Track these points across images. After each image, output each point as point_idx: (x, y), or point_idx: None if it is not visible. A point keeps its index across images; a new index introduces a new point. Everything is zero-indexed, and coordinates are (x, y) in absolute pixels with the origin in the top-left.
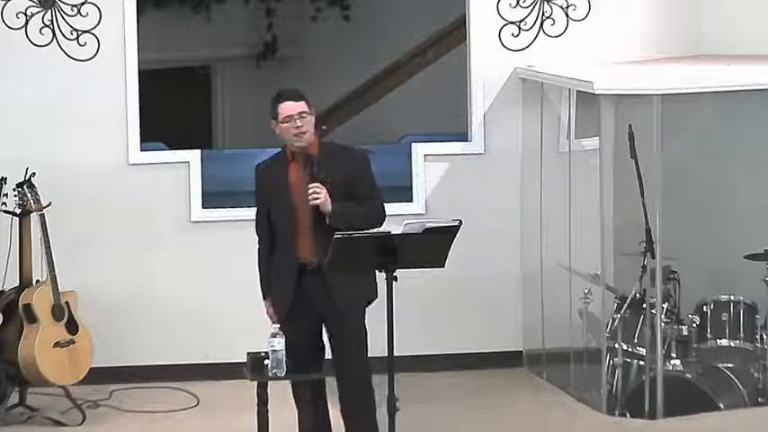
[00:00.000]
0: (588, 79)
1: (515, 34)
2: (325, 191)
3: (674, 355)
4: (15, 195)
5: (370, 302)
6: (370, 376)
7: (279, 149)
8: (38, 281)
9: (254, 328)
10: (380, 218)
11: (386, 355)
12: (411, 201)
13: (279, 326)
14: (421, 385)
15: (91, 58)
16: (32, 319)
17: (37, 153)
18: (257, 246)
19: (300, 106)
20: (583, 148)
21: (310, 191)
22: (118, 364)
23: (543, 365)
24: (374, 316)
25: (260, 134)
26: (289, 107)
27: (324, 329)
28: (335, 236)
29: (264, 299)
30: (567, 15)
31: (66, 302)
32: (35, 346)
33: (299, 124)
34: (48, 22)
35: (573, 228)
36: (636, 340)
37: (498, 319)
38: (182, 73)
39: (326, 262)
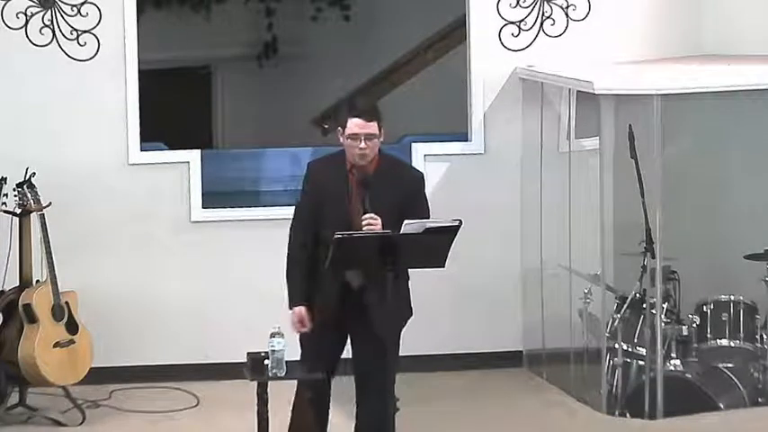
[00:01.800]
0: (588, 79)
1: (515, 34)
2: (379, 222)
3: (674, 355)
4: (15, 195)
5: (405, 321)
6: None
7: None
8: (38, 281)
9: (254, 328)
10: None
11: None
12: None
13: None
14: (421, 385)
15: (91, 58)
16: (32, 319)
17: (37, 153)
18: (290, 246)
19: (371, 127)
20: (583, 148)
21: (365, 221)
22: (118, 364)
23: (543, 365)
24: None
25: (260, 134)
26: (358, 125)
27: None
28: (336, 235)
29: (291, 307)
30: (567, 15)
31: (66, 302)
32: (35, 346)
33: (363, 146)
34: (48, 22)
35: (573, 228)
36: (636, 340)
37: (498, 319)
38: (182, 73)
39: (328, 261)
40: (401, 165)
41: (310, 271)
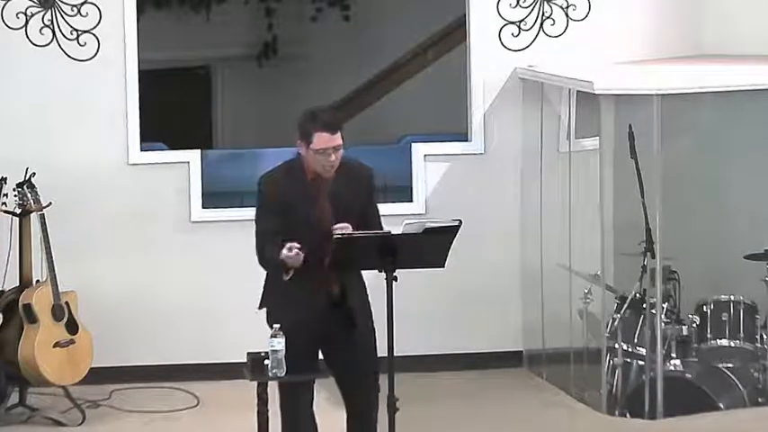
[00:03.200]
0: (588, 79)
1: (515, 34)
2: (350, 228)
3: (674, 355)
4: (15, 195)
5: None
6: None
7: (285, 154)
8: (38, 281)
9: (254, 328)
10: None
11: (386, 355)
12: (411, 201)
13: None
14: (421, 385)
15: (91, 58)
16: (32, 319)
17: (37, 153)
18: (259, 254)
19: (337, 139)
20: (583, 148)
21: (336, 232)
22: (118, 364)
23: (543, 365)
24: (374, 316)
25: (260, 134)
26: (326, 139)
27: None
28: (335, 236)
29: (278, 255)
30: (567, 15)
31: (66, 302)
32: (35, 346)
33: (333, 159)
34: (48, 22)
35: (573, 228)
36: (636, 340)
37: (498, 319)
38: (182, 73)
39: (328, 262)
40: (352, 163)
41: (281, 289)
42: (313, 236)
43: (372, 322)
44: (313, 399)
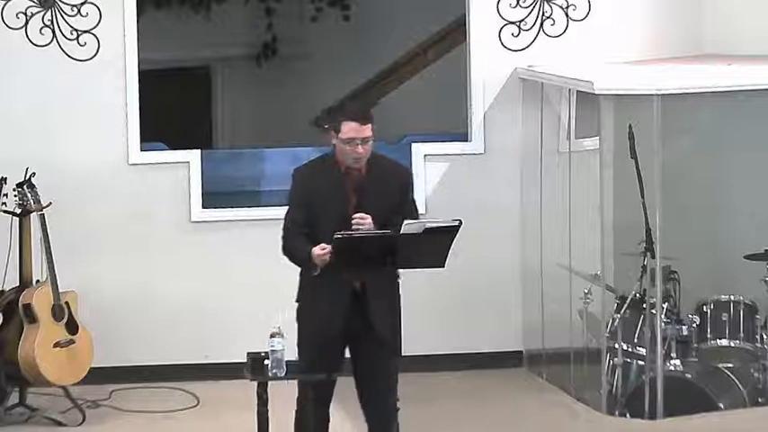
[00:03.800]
0: (588, 79)
1: (515, 34)
2: (369, 219)
3: (674, 355)
4: (15, 195)
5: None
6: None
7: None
8: (38, 281)
9: (254, 328)
10: None
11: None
12: None
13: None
14: (421, 385)
15: (91, 58)
16: (32, 319)
17: (37, 153)
18: (284, 244)
19: (366, 131)
20: (583, 148)
21: (354, 221)
22: (118, 364)
23: (543, 365)
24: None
25: (260, 134)
26: (354, 129)
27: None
28: (336, 235)
29: (309, 258)
30: (567, 15)
31: (66, 302)
32: (35, 346)
33: (361, 150)
34: (48, 22)
35: (573, 228)
36: (636, 340)
37: (498, 319)
38: (182, 73)
39: (328, 262)
40: (389, 162)
41: (309, 283)
42: (340, 229)
43: (399, 325)
44: (330, 398)
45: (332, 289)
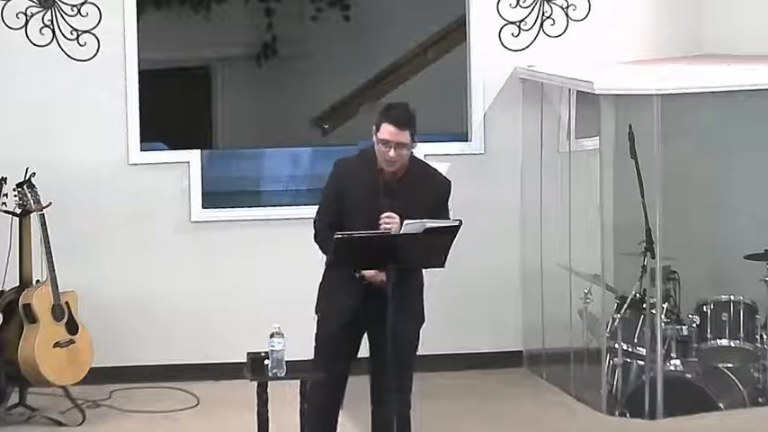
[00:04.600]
0: (588, 79)
1: (515, 34)
2: (397, 220)
3: (674, 355)
4: (15, 195)
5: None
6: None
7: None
8: (38, 281)
9: (254, 328)
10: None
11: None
12: None
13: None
14: (421, 385)
15: (91, 58)
16: (32, 319)
17: (37, 153)
18: (317, 232)
19: (402, 137)
20: (583, 148)
21: (382, 220)
22: (118, 364)
23: (543, 365)
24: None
25: (260, 134)
26: (390, 132)
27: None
28: (336, 235)
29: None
30: (567, 15)
31: (67, 302)
32: (35, 346)
33: (392, 155)
34: (48, 22)
35: (573, 228)
36: (636, 340)
37: (498, 319)
38: (182, 73)
39: (328, 261)
40: (430, 171)
41: (329, 275)
42: (368, 225)
43: (417, 321)
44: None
45: (349, 280)
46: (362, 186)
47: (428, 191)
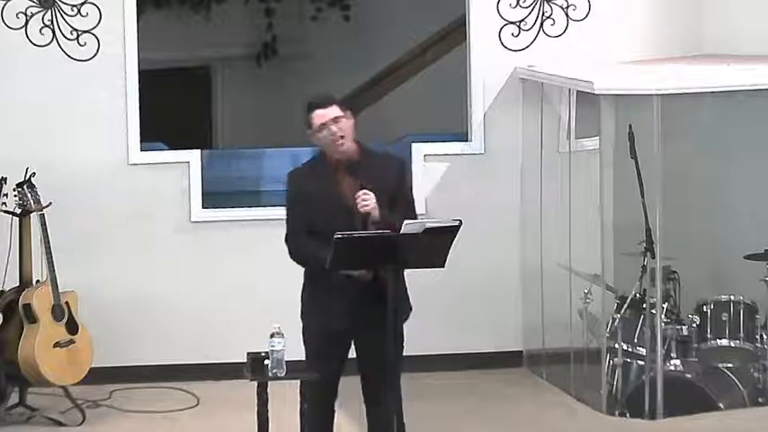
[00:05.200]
0: (588, 79)
1: (515, 34)
2: (373, 197)
3: (674, 355)
4: (15, 195)
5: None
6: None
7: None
8: (38, 281)
9: (254, 328)
10: None
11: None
12: None
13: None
14: (421, 385)
15: (91, 58)
16: (32, 319)
17: (37, 153)
18: (291, 248)
19: (332, 111)
20: (583, 148)
21: (359, 198)
22: (118, 364)
23: (543, 365)
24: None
25: (260, 134)
26: (320, 115)
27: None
28: (336, 235)
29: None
30: (567, 15)
31: (67, 302)
32: (35, 346)
33: (335, 130)
34: (48, 22)
35: (573, 228)
36: (636, 340)
37: (498, 319)
38: (182, 73)
39: (328, 261)
40: (382, 153)
41: (313, 279)
42: (345, 221)
43: (401, 321)
44: (335, 396)
45: (338, 284)
46: (322, 188)
47: (388, 172)
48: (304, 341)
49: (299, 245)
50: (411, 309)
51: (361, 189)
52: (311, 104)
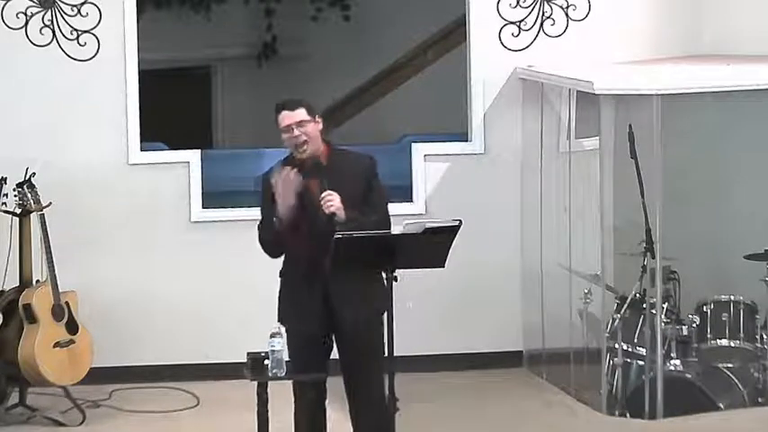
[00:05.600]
0: (588, 79)
1: (515, 34)
2: (338, 197)
3: (674, 355)
4: (15, 195)
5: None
6: (384, 394)
7: (284, 154)
8: (38, 281)
9: (254, 328)
10: (389, 223)
11: (386, 354)
12: (411, 201)
13: (279, 325)
14: (421, 385)
15: (91, 58)
16: (32, 319)
17: (37, 153)
18: (262, 236)
19: (298, 115)
20: (583, 148)
21: (323, 199)
22: (118, 364)
23: (543, 365)
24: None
25: (260, 134)
26: (286, 117)
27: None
28: (336, 236)
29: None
30: (567, 15)
31: (67, 302)
32: (35, 346)
33: (297, 134)
34: (48, 22)
35: (573, 228)
36: (636, 340)
37: (498, 319)
38: (182, 73)
39: (328, 262)
40: (351, 153)
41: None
42: (314, 222)
43: (380, 321)
44: (324, 395)
45: (306, 288)
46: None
47: (356, 171)
48: (287, 343)
49: (267, 227)
50: (391, 304)
51: (324, 191)
52: (278, 106)
